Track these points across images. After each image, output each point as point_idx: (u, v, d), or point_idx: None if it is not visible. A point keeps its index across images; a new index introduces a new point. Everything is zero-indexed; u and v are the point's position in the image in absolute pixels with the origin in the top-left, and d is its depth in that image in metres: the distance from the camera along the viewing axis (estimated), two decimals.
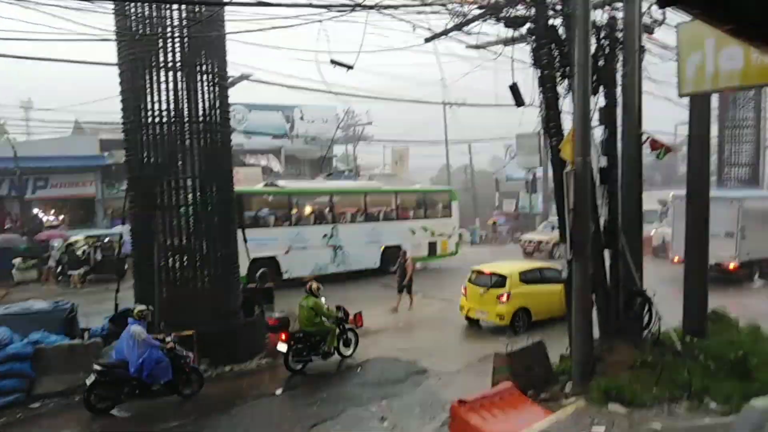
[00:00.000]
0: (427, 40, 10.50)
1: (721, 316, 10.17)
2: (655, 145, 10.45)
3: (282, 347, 9.62)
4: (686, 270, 9.30)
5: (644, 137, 9.71)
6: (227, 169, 10.43)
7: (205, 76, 9.37)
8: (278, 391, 8.74)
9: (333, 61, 8.46)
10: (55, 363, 8.23)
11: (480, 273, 12.72)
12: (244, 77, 17.09)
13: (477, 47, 10.50)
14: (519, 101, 8.23)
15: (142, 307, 8.25)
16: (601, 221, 8.85)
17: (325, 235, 18.68)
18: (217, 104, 9.73)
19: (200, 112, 9.46)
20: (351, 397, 8.53)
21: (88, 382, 7.69)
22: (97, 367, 7.73)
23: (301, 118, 34.75)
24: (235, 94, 11.39)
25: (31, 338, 8.27)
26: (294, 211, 18.50)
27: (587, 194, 7.71)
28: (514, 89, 8.07)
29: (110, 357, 8.22)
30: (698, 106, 8.26)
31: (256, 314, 10.99)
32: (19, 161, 22.74)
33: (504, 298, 11.89)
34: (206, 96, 9.45)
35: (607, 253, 8.91)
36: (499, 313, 11.91)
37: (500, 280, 12.15)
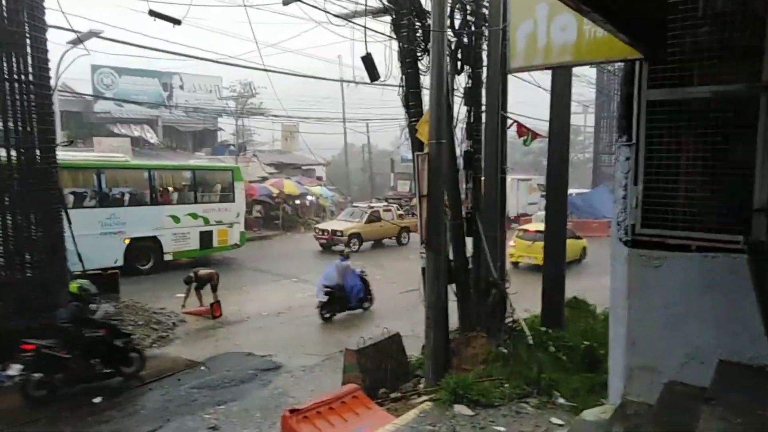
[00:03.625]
0: (286, 2, 9.48)
1: (580, 303, 10.28)
2: (522, 130, 10.26)
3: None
4: (545, 258, 9.17)
5: (509, 122, 9.48)
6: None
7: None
8: (96, 400, 7.46)
9: (153, 12, 7.17)
10: None
11: (526, 231, 18.35)
12: (93, 34, 14.95)
13: (343, 18, 9.62)
14: (373, 75, 7.48)
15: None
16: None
17: None
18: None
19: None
20: (183, 402, 7.49)
21: (321, 300, 11.61)
22: (327, 288, 11.63)
23: (181, 87, 32.09)
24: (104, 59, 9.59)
25: None
26: None
27: (440, 179, 7.17)
28: (367, 61, 7.30)
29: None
30: (559, 82, 8.02)
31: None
32: None
33: None
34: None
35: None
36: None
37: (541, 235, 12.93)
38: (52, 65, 9.88)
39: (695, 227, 3.39)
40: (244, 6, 9.28)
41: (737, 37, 3.18)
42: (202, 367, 8.83)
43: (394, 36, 8.17)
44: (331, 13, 9.39)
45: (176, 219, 16.72)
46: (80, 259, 10.62)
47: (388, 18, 8.30)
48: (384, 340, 7.84)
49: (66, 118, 27.23)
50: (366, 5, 7.68)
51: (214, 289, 12.00)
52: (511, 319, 8.15)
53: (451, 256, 8.13)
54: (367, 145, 46.58)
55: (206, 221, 17.58)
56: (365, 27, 7.46)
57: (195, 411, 7.22)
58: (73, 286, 8.38)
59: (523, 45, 3.77)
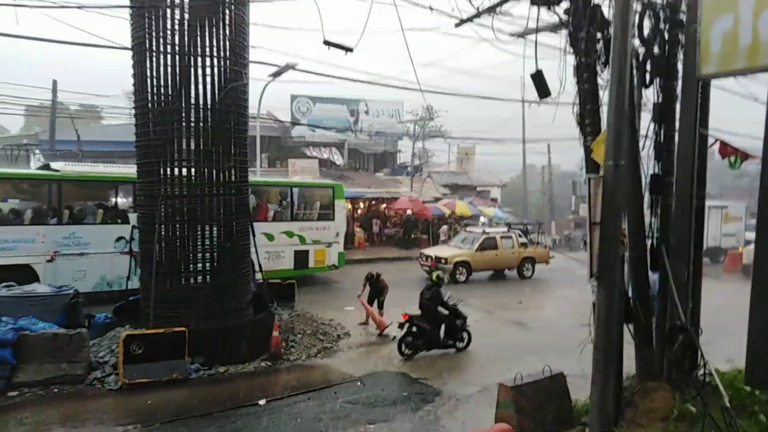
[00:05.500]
0: (459, 23, 9.42)
1: None
2: (726, 150, 8.75)
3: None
4: (753, 300, 7.59)
5: (710, 140, 8.15)
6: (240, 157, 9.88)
7: (207, 60, 8.83)
8: (261, 402, 8.04)
9: (327, 42, 7.58)
10: (38, 351, 8.01)
11: None
12: (289, 67, 16.62)
13: (520, 35, 9.24)
14: (543, 92, 6.97)
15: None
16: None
17: (120, 239, 13.43)
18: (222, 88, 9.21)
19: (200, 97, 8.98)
20: (337, 416, 7.67)
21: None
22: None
23: (366, 112, 34.24)
24: (297, 88, 10.78)
25: (17, 324, 8.11)
26: (64, 203, 13.26)
27: (615, 204, 6.36)
28: (537, 78, 6.83)
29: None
30: None
31: (262, 313, 10.42)
32: (81, 144, 23.77)
33: None
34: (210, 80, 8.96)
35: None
36: None
37: None
38: (255, 95, 11.17)
39: None
40: (401, 29, 9.33)
41: None
42: (359, 383, 9.00)
43: (571, 50, 7.59)
44: (504, 32, 9.12)
45: (270, 237, 16.18)
46: (260, 268, 11.66)
47: (563, 32, 7.76)
48: (545, 379, 7.16)
49: (267, 143, 30.83)
50: (537, 20, 7.20)
51: (381, 306, 12.26)
52: (702, 372, 6.86)
53: (630, 294, 7.18)
54: (548, 166, 44.66)
55: (302, 240, 17.09)
56: (536, 43, 6.99)
57: (347, 426, 7.33)
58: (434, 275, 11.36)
59: (718, 45, 3.10)
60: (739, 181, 46.75)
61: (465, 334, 10.88)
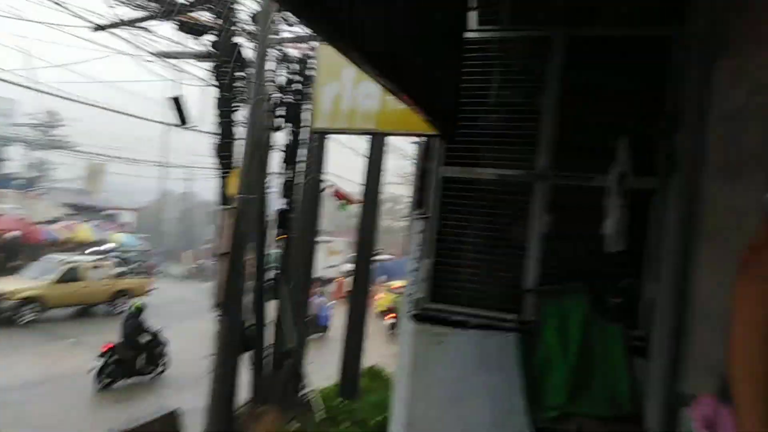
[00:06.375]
0: (96, 29, 8.53)
1: (378, 373, 10.23)
2: (339, 195, 10.35)
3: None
4: (347, 323, 9.02)
5: (325, 185, 9.47)
6: None
7: None
8: None
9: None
10: None
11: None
12: None
13: (164, 56, 8.92)
14: (182, 118, 6.90)
15: None
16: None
17: None
18: None
19: None
20: None
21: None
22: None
23: None
24: None
25: None
26: None
27: (244, 237, 6.69)
28: (175, 102, 6.71)
29: None
30: (375, 149, 8.18)
31: None
32: None
33: None
34: None
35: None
36: None
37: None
38: None
39: (476, 304, 3.42)
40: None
41: (519, 126, 3.40)
42: None
43: (216, 82, 7.77)
44: (145, 50, 8.69)
45: None
46: None
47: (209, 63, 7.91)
48: (155, 420, 6.74)
49: None
50: (182, 45, 7.14)
51: None
52: (305, 391, 7.71)
53: (251, 322, 7.57)
54: (187, 192, 43.84)
55: None
56: (179, 67, 6.90)
57: None
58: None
59: (328, 106, 3.65)
60: (353, 220, 55.52)
61: (165, 359, 11.18)
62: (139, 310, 11.06)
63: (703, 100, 2.59)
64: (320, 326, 15.33)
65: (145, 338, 10.77)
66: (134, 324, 10.72)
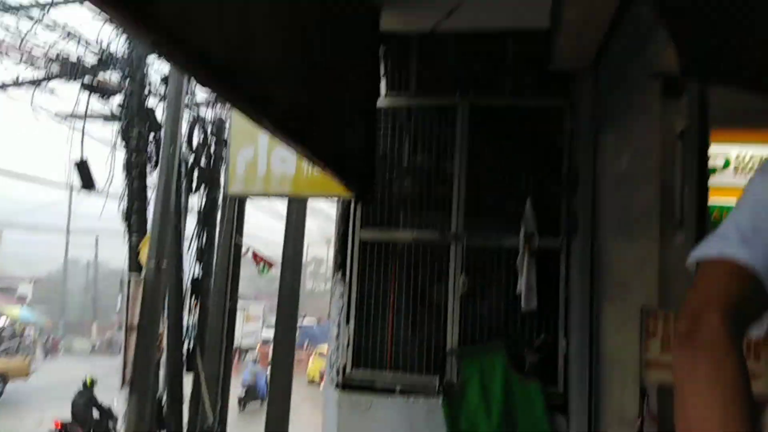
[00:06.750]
0: None
1: None
2: (258, 259, 10.08)
3: None
4: (269, 394, 8.57)
5: (245, 249, 9.21)
6: None
7: None
8: None
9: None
10: None
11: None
12: None
13: (68, 117, 8.51)
14: (87, 183, 6.52)
15: None
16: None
17: None
18: None
19: None
20: None
21: None
22: None
23: None
24: None
25: None
26: None
27: (155, 307, 6.29)
28: (81, 168, 6.35)
29: None
30: (294, 212, 8.06)
31: None
32: None
33: None
34: None
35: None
36: None
37: None
38: None
39: (399, 369, 3.37)
40: None
41: (433, 189, 3.50)
42: None
43: (125, 145, 7.47)
44: (49, 111, 8.28)
45: None
46: None
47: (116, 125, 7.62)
48: None
49: None
50: (87, 106, 6.87)
51: None
52: None
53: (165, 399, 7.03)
54: (94, 261, 41.04)
55: None
56: (83, 130, 6.60)
57: None
58: None
59: (243, 170, 3.60)
60: (274, 284, 53.97)
61: None
62: (92, 385, 10.61)
63: (595, 165, 2.81)
64: (260, 396, 14.28)
65: (95, 414, 10.33)
66: (85, 400, 10.23)
